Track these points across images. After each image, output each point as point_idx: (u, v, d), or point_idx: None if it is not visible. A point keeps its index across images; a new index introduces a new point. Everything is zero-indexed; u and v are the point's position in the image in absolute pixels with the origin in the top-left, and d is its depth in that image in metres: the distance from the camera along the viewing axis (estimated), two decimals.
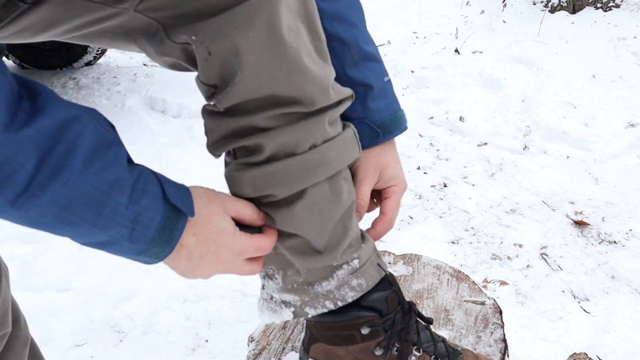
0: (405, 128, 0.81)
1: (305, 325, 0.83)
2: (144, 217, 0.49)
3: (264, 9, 0.52)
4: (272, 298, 0.74)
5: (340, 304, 0.70)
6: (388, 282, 0.75)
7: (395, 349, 0.75)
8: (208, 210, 0.56)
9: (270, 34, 0.53)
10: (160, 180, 0.52)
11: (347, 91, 0.67)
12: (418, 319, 0.80)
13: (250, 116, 0.58)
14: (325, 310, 0.71)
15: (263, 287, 0.75)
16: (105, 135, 0.48)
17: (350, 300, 0.70)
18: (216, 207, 0.57)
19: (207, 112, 0.63)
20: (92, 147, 0.46)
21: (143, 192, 0.49)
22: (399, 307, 0.76)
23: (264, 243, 0.62)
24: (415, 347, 0.77)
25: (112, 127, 0.52)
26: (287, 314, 0.72)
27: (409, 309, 0.78)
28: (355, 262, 0.70)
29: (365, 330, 0.74)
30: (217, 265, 0.58)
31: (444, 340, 0.81)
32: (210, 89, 0.59)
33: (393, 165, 0.80)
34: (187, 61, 0.60)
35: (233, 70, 0.55)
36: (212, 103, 0.60)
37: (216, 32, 0.53)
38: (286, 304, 0.72)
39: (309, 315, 0.72)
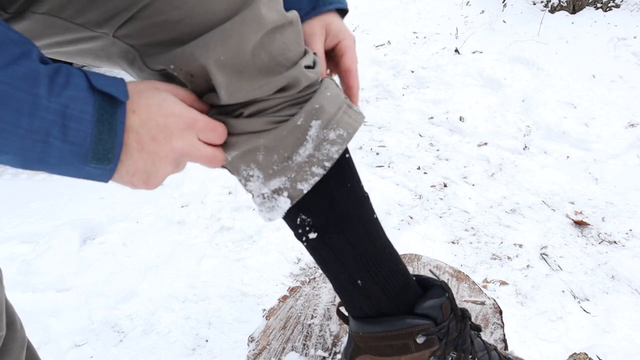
0: (347, 9, 0.78)
1: (348, 336, 0.80)
2: (73, 110, 0.44)
3: (234, 35, 0.53)
4: (263, 197, 0.68)
5: (328, 164, 0.64)
6: (442, 289, 0.73)
7: (450, 358, 0.73)
8: (139, 89, 0.51)
9: (240, 56, 0.54)
10: (85, 73, 0.47)
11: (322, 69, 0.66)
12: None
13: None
14: (317, 179, 0.64)
15: (252, 196, 0.70)
16: (7, 33, 0.44)
17: (336, 156, 0.64)
18: (147, 84, 0.53)
19: None
20: None
21: (65, 84, 0.45)
22: (451, 314, 0.73)
23: (213, 123, 0.58)
24: (471, 356, 0.74)
25: (23, 36, 0.47)
26: (283, 201, 0.66)
27: (463, 316, 0.75)
28: (324, 116, 0.63)
29: (420, 339, 0.71)
30: (174, 142, 0.53)
31: (495, 348, 0.79)
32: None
33: (337, 22, 0.76)
34: None
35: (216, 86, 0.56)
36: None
37: (190, 57, 0.53)
38: (277, 191, 0.66)
39: (304, 192, 0.65)
